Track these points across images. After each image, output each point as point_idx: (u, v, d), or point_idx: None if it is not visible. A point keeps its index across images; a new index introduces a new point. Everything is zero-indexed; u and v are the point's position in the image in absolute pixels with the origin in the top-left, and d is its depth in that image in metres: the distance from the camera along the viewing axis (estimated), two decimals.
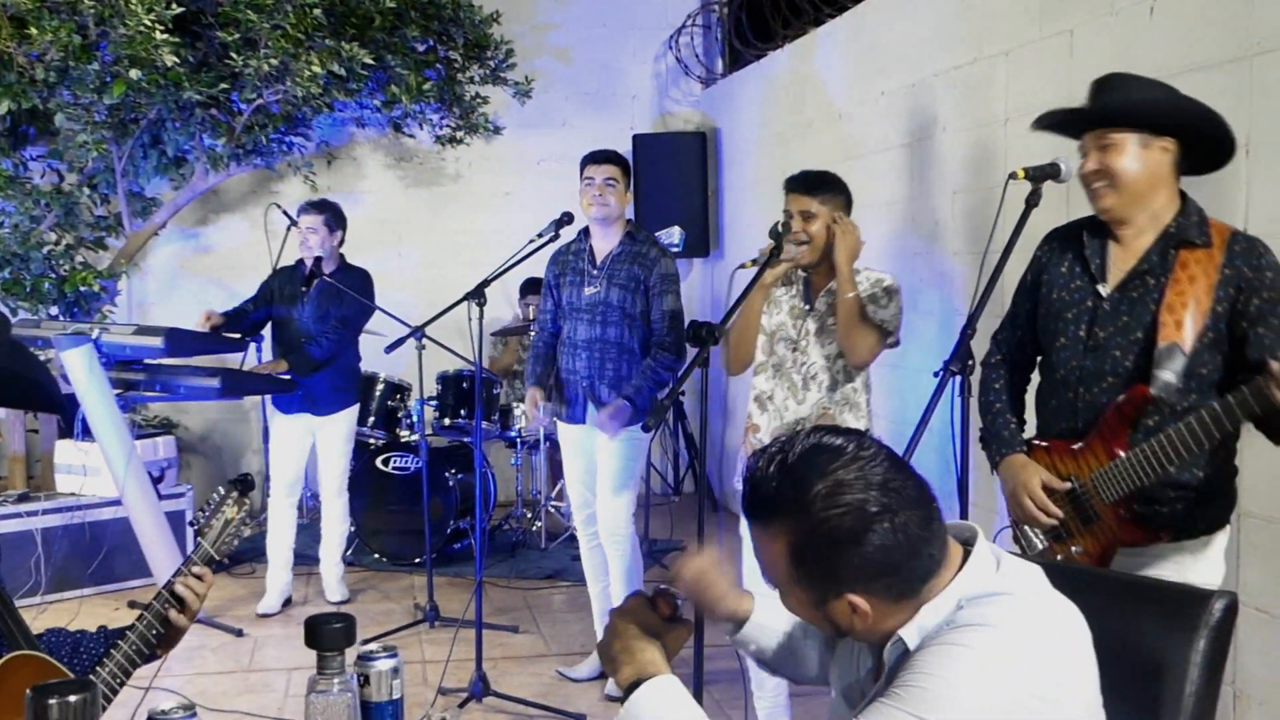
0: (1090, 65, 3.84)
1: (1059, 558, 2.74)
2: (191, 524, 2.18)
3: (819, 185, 3.73)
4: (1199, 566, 2.64)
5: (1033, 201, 2.83)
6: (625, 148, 7.59)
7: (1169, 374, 2.52)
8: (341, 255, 5.68)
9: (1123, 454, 2.58)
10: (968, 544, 1.64)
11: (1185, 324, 2.53)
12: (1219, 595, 1.77)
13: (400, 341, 4.79)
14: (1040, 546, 2.80)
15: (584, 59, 8.22)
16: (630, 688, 1.63)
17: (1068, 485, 2.70)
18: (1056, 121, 2.79)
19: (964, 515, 2.78)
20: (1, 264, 6.62)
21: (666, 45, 8.23)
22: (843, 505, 1.50)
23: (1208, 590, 1.80)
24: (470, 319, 4.29)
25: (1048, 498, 2.70)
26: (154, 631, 2.22)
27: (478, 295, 4.31)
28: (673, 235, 6.09)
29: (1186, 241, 2.60)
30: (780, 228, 3.55)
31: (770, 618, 1.97)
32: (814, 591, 1.57)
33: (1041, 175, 2.86)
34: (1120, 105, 2.63)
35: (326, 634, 1.72)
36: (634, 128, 8.15)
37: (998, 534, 3.07)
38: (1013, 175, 2.89)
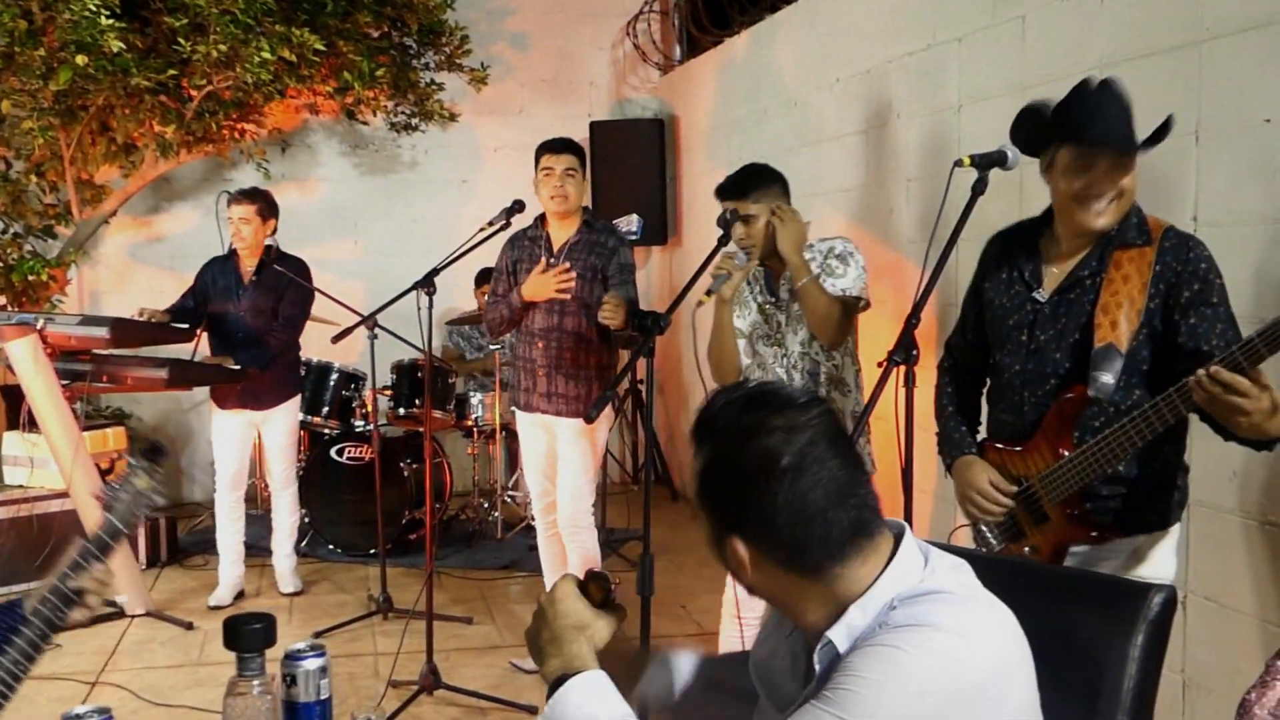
0: (1042, 51, 3.83)
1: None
2: (99, 498, 2.01)
3: (748, 186, 3.69)
4: (1147, 565, 2.63)
5: (979, 189, 2.79)
6: (583, 135, 7.55)
7: (1106, 375, 2.52)
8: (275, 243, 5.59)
9: (1066, 454, 2.58)
10: (895, 540, 1.61)
11: (1120, 323, 2.53)
12: (1157, 589, 1.76)
13: (348, 331, 4.72)
14: (997, 546, 2.79)
15: (541, 45, 8.15)
16: (556, 682, 1.59)
17: (1014, 488, 2.70)
18: (1065, 133, 2.60)
19: (909, 502, 2.76)
20: None
21: (624, 32, 8.17)
22: (754, 447, 1.52)
23: (1146, 584, 1.79)
24: (419, 308, 4.23)
25: (996, 492, 2.72)
26: (59, 614, 2.05)
27: (427, 284, 4.25)
28: (631, 223, 6.04)
29: (1125, 243, 2.59)
30: (729, 215, 3.53)
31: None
32: (710, 523, 1.60)
33: (988, 162, 2.82)
34: (1157, 140, 2.55)
35: (245, 635, 1.67)
36: (592, 115, 8.08)
37: (953, 532, 3.06)
38: (958, 162, 2.85)
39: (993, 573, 1.72)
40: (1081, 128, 2.53)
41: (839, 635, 1.52)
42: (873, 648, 1.46)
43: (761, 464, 1.51)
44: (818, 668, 1.55)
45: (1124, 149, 2.52)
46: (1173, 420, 2.36)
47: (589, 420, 2.91)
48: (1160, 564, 2.65)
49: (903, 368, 2.61)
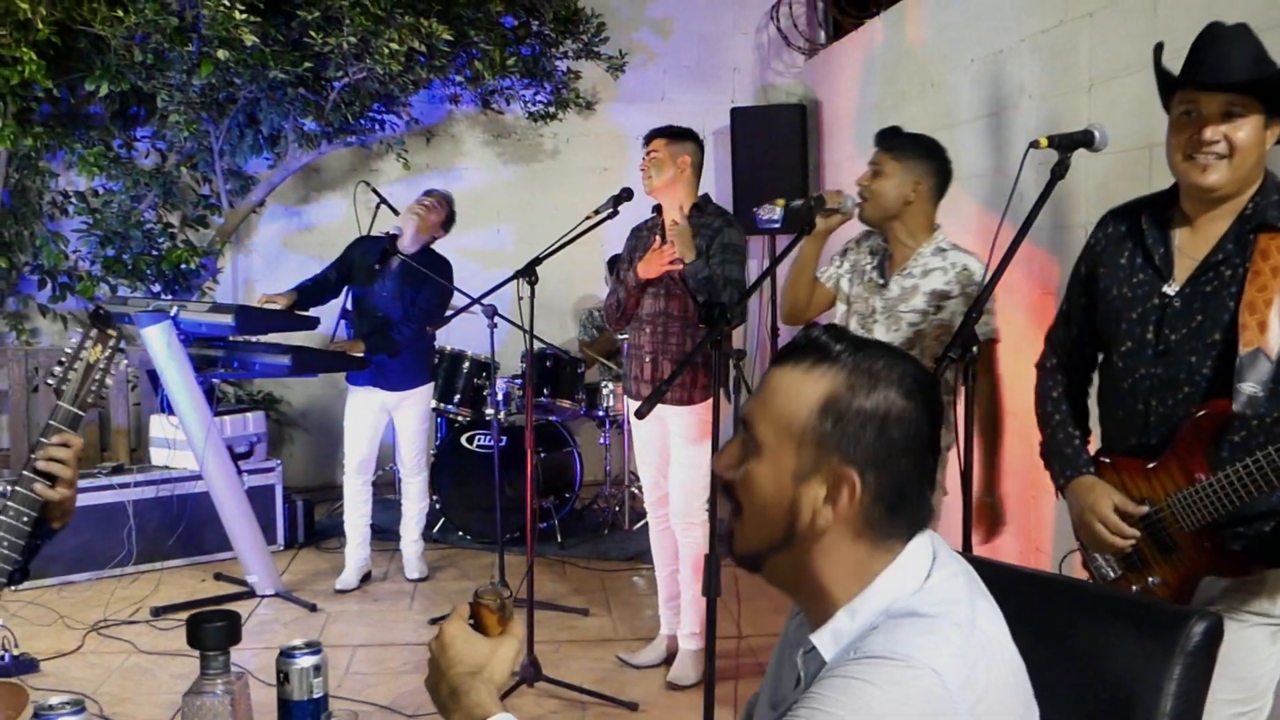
0: (1174, 25, 3.55)
1: (1134, 588, 2.43)
2: (48, 382, 2.02)
3: (897, 143, 3.56)
4: None
5: (1059, 173, 2.57)
6: (724, 122, 7.44)
7: (1253, 385, 2.18)
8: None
9: (1203, 478, 2.26)
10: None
11: (1271, 324, 2.18)
12: (1199, 616, 1.57)
13: (449, 318, 4.71)
14: (1112, 575, 2.49)
15: (683, 31, 8.05)
16: None
17: (1144, 509, 2.37)
18: (1165, 76, 2.38)
19: (966, 506, 2.58)
20: (105, 242, 6.80)
21: (767, 16, 8.00)
22: (906, 386, 1.41)
23: (1188, 610, 1.60)
24: (520, 297, 4.20)
25: (1122, 521, 2.39)
26: (24, 519, 2.08)
27: (528, 273, 4.21)
28: (774, 212, 5.90)
29: (1265, 224, 2.25)
30: (811, 202, 3.40)
31: None
32: (813, 457, 1.40)
33: (1070, 144, 2.58)
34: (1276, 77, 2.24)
35: (208, 633, 1.63)
36: (735, 101, 7.94)
37: (1065, 557, 2.84)
38: (1034, 144, 2.61)
39: (1027, 588, 1.61)
40: (1190, 65, 2.26)
41: (824, 642, 1.43)
42: (843, 680, 1.33)
43: (909, 407, 1.41)
44: (802, 674, 1.47)
45: (1237, 90, 2.21)
46: None
47: (639, 416, 2.81)
48: None
49: (962, 365, 2.42)
